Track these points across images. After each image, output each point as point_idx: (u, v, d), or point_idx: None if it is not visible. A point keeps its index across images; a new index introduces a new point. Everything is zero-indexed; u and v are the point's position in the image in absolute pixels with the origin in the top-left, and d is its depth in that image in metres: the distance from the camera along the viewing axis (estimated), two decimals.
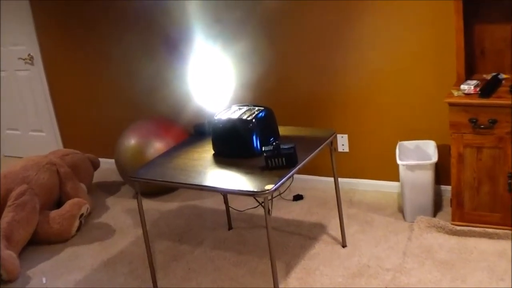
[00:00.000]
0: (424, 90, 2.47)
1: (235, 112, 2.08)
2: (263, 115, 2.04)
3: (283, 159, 1.85)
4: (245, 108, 2.09)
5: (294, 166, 1.86)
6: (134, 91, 3.24)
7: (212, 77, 2.51)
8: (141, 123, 3.04)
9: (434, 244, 2.14)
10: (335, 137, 2.20)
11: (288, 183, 2.90)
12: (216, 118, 2.08)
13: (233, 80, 2.77)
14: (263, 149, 1.89)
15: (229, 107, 2.14)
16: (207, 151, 2.14)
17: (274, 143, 1.88)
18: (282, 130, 2.19)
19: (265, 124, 2.06)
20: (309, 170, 2.91)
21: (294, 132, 2.20)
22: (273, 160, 1.85)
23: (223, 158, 2.03)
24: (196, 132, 2.33)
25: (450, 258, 2.05)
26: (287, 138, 2.11)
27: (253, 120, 2.00)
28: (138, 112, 3.21)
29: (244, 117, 2.03)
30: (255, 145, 2.00)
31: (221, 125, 2.05)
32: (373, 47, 2.54)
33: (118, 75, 3.25)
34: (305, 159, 1.92)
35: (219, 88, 2.53)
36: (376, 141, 2.73)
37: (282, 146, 1.86)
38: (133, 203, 2.93)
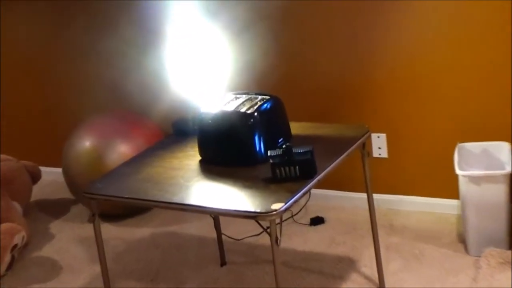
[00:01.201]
0: (493, 75, 2.50)
1: (231, 103, 2.10)
2: (269, 107, 2.07)
3: (297, 168, 1.86)
4: (244, 97, 2.12)
5: (311, 177, 1.87)
6: (91, 75, 3.30)
7: (200, 58, 2.54)
8: (100, 119, 3.09)
9: None
10: (369, 137, 2.18)
11: (303, 201, 2.95)
12: (203, 111, 2.11)
13: (229, 61, 2.81)
14: (268, 154, 1.90)
15: (223, 96, 2.17)
16: (191, 157, 2.17)
17: (284, 146, 1.88)
18: (296, 128, 2.22)
19: (272, 120, 2.08)
20: (332, 183, 2.95)
21: (311, 131, 2.23)
22: (282, 169, 1.86)
23: (214, 167, 2.06)
24: (175, 131, 2.37)
25: None
26: (302, 139, 2.14)
27: (255, 113, 2.02)
28: (97, 104, 3.27)
29: (243, 110, 2.05)
30: (257, 148, 2.02)
31: (210, 121, 2.08)
32: (425, 22, 2.58)
33: (70, 53, 3.31)
34: (327, 168, 1.94)
35: (209, 72, 2.55)
36: (426, 143, 2.76)
37: (295, 150, 1.87)
38: (88, 230, 2.94)
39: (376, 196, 2.50)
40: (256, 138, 2.02)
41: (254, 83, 2.84)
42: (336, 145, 2.09)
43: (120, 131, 3.00)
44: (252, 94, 2.13)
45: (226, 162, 2.06)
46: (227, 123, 2.06)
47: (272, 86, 2.74)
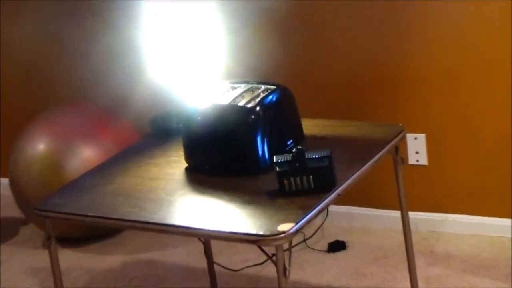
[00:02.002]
0: None
1: (226, 95, 2.12)
2: (275, 99, 2.09)
3: (310, 178, 1.86)
4: (243, 87, 2.14)
5: (329, 190, 1.88)
6: (48, 60, 3.33)
7: (187, 38, 2.53)
8: (57, 115, 3.12)
9: None
10: (404, 138, 2.21)
11: (319, 220, 2.95)
12: (191, 105, 2.13)
13: (224, 42, 2.82)
14: (274, 160, 1.90)
15: (216, 86, 2.19)
16: (174, 164, 2.18)
17: (294, 150, 1.88)
18: (310, 127, 2.24)
19: (279, 116, 2.10)
20: (356, 198, 2.95)
21: (329, 130, 2.24)
22: (292, 179, 1.87)
23: (204, 176, 2.07)
24: (155, 130, 2.40)
25: None
26: (318, 141, 2.15)
27: (257, 108, 2.04)
28: (53, 97, 3.30)
29: (242, 103, 2.07)
30: (260, 152, 2.04)
31: (200, 118, 2.11)
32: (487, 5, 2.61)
33: (17, 35, 3.34)
34: (349, 178, 1.94)
35: (199, 56, 2.55)
36: (476, 147, 2.77)
37: (308, 155, 1.87)
38: (43, 257, 2.81)
39: (412, 214, 2.49)
40: (259, 139, 2.04)
41: (256, 70, 2.84)
42: (361, 149, 2.10)
43: (83, 130, 3.02)
44: (253, 84, 2.15)
45: (220, 170, 2.08)
46: (222, 121, 2.07)
47: (279, 73, 2.75)
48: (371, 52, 2.85)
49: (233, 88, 2.16)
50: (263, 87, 2.13)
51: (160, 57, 2.57)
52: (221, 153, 2.09)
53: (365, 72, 2.88)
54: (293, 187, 1.87)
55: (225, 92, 2.15)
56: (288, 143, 2.11)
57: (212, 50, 2.59)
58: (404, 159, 2.32)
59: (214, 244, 2.67)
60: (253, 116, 2.04)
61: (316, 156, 1.88)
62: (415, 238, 2.43)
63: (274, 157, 1.92)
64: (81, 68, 3.27)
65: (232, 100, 2.10)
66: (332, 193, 1.87)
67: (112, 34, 3.14)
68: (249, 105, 2.06)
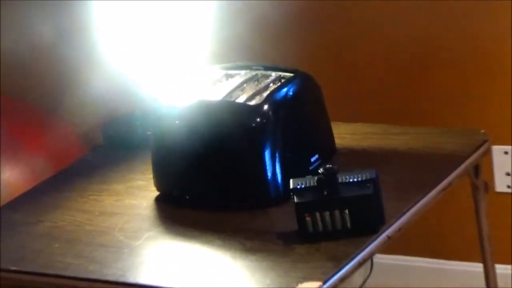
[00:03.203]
0: None
1: (219, 87, 2.15)
2: (292, 94, 2.11)
3: (346, 212, 1.88)
4: (243, 75, 2.17)
5: (374, 232, 1.90)
6: None
7: (157, 8, 2.55)
8: None
9: None
10: (488, 153, 2.23)
11: (359, 277, 2.94)
12: (164, 103, 2.17)
13: (214, 11, 2.82)
14: (291, 186, 1.91)
15: (203, 72, 2.22)
16: (139, 192, 2.21)
17: (321, 170, 1.89)
18: (344, 134, 2.28)
19: (299, 119, 2.13)
20: (415, 243, 2.99)
21: (374, 140, 2.29)
22: (318, 215, 1.88)
23: (183, 210, 2.10)
24: (109, 141, 2.46)
25: None
26: (356, 156, 2.20)
27: (266, 106, 2.05)
28: None
29: (242, 100, 2.09)
30: (269, 173, 2.05)
31: (178, 123, 2.12)
32: None
33: None
34: (404, 213, 1.96)
35: (176, 31, 2.57)
36: None
37: (343, 178, 1.88)
38: None
39: (502, 268, 2.51)
40: (267, 154, 2.06)
41: (264, 52, 2.88)
42: (423, 169, 2.13)
43: (2, 140, 3.02)
44: (259, 69, 2.17)
45: (208, 201, 2.11)
46: (211, 126, 2.09)
47: (299, 56, 2.77)
48: (435, 27, 2.90)
49: (229, 76, 2.19)
50: (273, 74, 2.15)
51: (117, 35, 2.59)
52: (210, 176, 2.11)
53: (425, 56, 2.93)
54: (320, 226, 1.88)
55: (216, 83, 2.17)
56: (312, 159, 2.13)
57: (194, 18, 2.60)
58: (489, 184, 2.33)
59: None
60: (258, 119, 2.06)
61: (355, 180, 1.89)
62: None
63: (291, 181, 1.92)
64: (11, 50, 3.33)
65: (226, 95, 2.10)
66: (379, 236, 1.88)
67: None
68: (252, 102, 2.07)
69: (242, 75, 2.18)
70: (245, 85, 2.14)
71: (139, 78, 2.45)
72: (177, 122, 2.13)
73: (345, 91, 2.63)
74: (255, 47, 2.91)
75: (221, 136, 2.09)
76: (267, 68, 2.18)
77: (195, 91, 2.17)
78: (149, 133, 2.22)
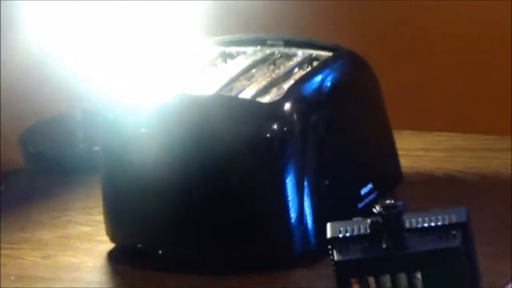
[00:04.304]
0: None
1: (213, 72, 1.91)
2: (331, 85, 1.80)
3: (418, 277, 1.55)
4: (252, 54, 1.92)
5: None
6: None
7: None
8: None
9: None
10: None
11: None
12: (123, 101, 1.89)
13: None
14: (328, 235, 1.56)
15: (189, 49, 2.00)
16: (79, 243, 1.97)
17: (378, 208, 1.53)
18: (415, 150, 2.16)
19: (342, 126, 1.86)
20: None
21: (463, 160, 2.11)
22: (373, 281, 1.55)
23: (159, 275, 1.79)
24: (29, 162, 2.33)
25: None
26: (435, 185, 2.02)
27: (288, 106, 1.73)
28: None
29: (249, 95, 1.79)
30: (293, 217, 1.73)
31: (145, 133, 1.81)
32: None
33: None
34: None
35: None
36: None
37: (412, 222, 1.54)
38: None
39: None
40: (290, 185, 1.73)
41: (281, 20, 2.71)
42: None
43: None
44: (277, 45, 1.90)
45: (195, 257, 1.83)
46: (200, 137, 1.75)
47: (339, 25, 2.71)
48: None
49: (228, 56, 1.92)
50: (299, 53, 1.85)
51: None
52: (198, 219, 1.79)
53: None
54: None
55: (207, 67, 1.92)
56: (364, 192, 1.84)
57: None
58: None
59: None
60: (276, 127, 1.71)
61: (432, 225, 1.55)
62: None
63: (329, 226, 1.57)
64: None
65: (224, 87, 1.78)
66: None
67: None
68: (265, 99, 1.75)
69: (248, 55, 1.87)
70: (253, 70, 1.81)
71: (80, 63, 2.18)
72: (143, 131, 1.75)
73: (413, 85, 2.40)
74: (267, 14, 2.73)
75: (214, 154, 1.71)
76: (289, 43, 1.84)
77: (174, 81, 1.85)
78: (97, 148, 1.88)
